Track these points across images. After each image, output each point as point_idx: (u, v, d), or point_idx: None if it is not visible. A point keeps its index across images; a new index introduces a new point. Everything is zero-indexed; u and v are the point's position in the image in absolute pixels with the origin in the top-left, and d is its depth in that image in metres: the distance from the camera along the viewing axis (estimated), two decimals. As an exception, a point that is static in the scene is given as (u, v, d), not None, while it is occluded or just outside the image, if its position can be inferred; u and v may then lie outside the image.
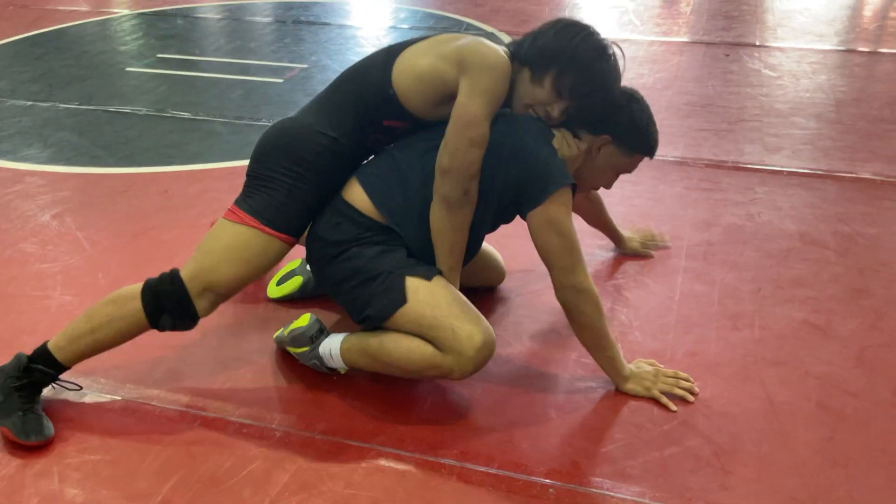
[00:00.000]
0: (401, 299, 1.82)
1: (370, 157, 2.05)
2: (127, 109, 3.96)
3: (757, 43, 4.92)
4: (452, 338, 1.78)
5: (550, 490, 1.70)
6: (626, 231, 2.62)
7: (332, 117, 1.96)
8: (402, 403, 1.94)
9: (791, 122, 3.67)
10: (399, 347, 1.84)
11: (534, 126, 1.92)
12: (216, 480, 1.73)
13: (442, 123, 1.87)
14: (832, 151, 3.35)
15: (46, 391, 1.95)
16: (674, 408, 1.92)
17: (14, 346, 2.18)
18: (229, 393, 2.00)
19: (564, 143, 1.98)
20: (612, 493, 1.69)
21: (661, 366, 2.03)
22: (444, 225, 1.89)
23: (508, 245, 2.49)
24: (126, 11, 5.91)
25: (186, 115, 3.88)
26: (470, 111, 1.82)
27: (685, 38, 5.04)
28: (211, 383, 2.04)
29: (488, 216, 1.96)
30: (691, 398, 1.94)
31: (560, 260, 1.89)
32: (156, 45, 5.12)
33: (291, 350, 2.07)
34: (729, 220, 2.79)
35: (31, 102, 4.07)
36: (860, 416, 1.90)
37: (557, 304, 2.32)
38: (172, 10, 5.92)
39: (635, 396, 1.96)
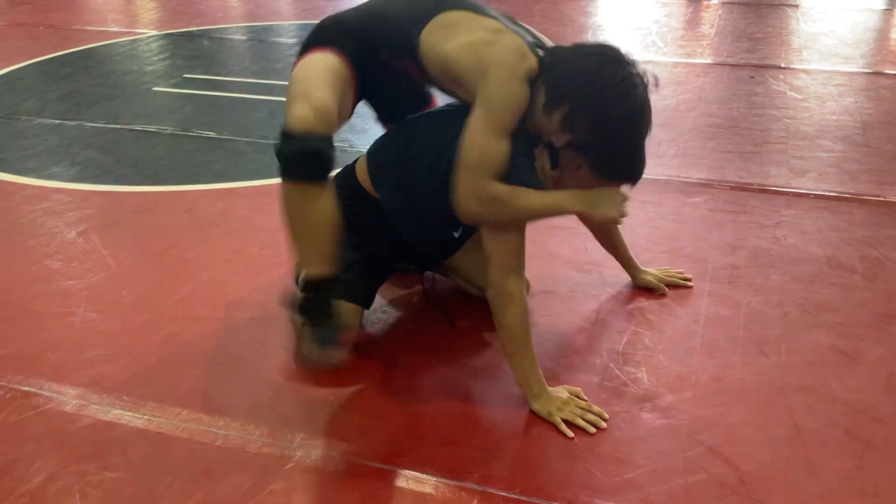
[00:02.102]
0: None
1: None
2: (153, 128, 4.00)
3: (782, 65, 4.89)
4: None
5: (573, 516, 1.68)
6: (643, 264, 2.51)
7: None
8: (422, 424, 1.93)
9: (817, 144, 3.63)
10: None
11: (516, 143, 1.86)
12: (236, 501, 1.73)
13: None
14: (859, 174, 3.31)
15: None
16: (570, 434, 1.88)
17: (38, 362, 2.20)
18: (250, 412, 2.00)
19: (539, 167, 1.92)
20: (635, 520, 1.67)
21: (584, 398, 1.98)
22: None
23: (531, 266, 2.47)
24: (153, 32, 6.00)
25: (212, 134, 3.91)
26: (470, 155, 1.80)
27: (709, 60, 5.03)
28: (232, 402, 2.04)
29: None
30: (592, 430, 1.89)
31: (500, 259, 1.90)
32: (182, 66, 5.18)
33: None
34: (754, 244, 2.76)
35: (58, 121, 4.13)
36: (890, 444, 1.86)
37: (581, 327, 2.31)
38: (199, 31, 6.00)
39: (662, 423, 1.94)
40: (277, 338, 2.30)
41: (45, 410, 2.02)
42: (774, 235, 2.82)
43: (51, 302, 2.49)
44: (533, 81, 1.82)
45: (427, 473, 1.79)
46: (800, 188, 3.19)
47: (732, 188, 3.20)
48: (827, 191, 3.16)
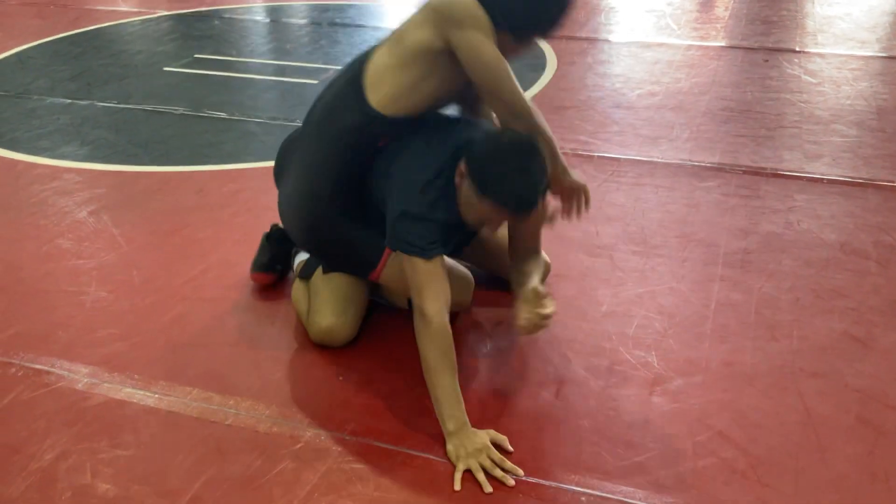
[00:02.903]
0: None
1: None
2: (163, 109, 4.00)
3: (797, 49, 4.84)
4: (312, 311, 2.15)
5: (582, 499, 1.68)
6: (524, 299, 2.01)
7: (329, 171, 2.02)
8: (432, 406, 1.92)
9: (831, 129, 3.60)
10: (297, 292, 2.26)
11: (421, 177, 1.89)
12: (246, 479, 1.74)
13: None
14: (873, 160, 3.28)
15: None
16: (457, 486, 1.71)
17: (49, 340, 2.21)
18: (260, 392, 2.01)
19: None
20: (644, 504, 1.67)
21: (508, 448, 1.80)
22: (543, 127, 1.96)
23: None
24: (164, 12, 5.98)
25: (222, 115, 3.91)
26: (485, 58, 1.82)
27: (723, 43, 4.98)
28: (243, 382, 2.05)
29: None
30: (489, 489, 1.69)
31: (419, 283, 1.86)
32: (193, 46, 5.16)
33: None
34: (767, 228, 2.75)
35: (69, 100, 4.13)
36: (902, 431, 1.86)
37: (591, 311, 2.30)
38: (210, 11, 5.97)
39: (671, 407, 1.93)
40: (287, 319, 2.31)
41: (57, 388, 2.03)
42: (787, 220, 2.80)
43: (62, 281, 2.50)
44: None
45: (436, 455, 1.80)
46: (813, 173, 3.16)
47: (745, 172, 3.18)
48: (841, 176, 3.14)
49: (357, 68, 1.95)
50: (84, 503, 1.68)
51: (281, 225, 2.32)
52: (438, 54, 1.86)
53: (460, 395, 1.82)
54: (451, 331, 1.84)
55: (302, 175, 2.07)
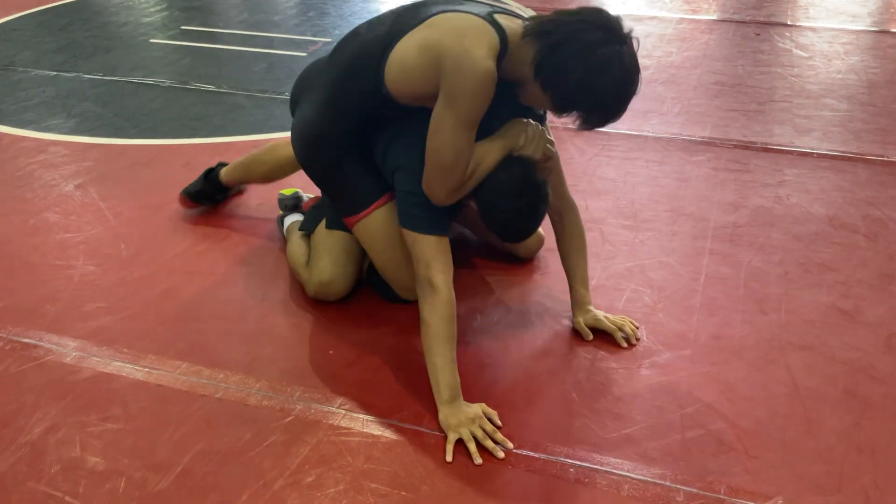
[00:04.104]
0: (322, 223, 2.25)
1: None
2: (150, 81, 3.95)
3: (788, 22, 4.82)
4: (313, 264, 2.21)
5: (570, 470, 1.69)
6: (591, 307, 2.13)
7: (342, 117, 2.02)
8: (423, 379, 1.92)
9: (822, 103, 3.60)
10: (294, 246, 2.32)
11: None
12: (236, 452, 1.74)
13: None
14: (864, 134, 3.28)
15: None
16: (449, 457, 1.71)
17: (37, 314, 2.19)
18: (250, 366, 2.00)
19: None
20: (632, 475, 1.68)
21: (497, 423, 1.80)
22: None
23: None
24: (150, -17, 5.90)
25: (210, 87, 3.87)
26: (444, 155, 1.80)
27: (715, 17, 4.96)
28: (232, 356, 2.04)
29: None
30: (479, 460, 1.70)
31: (424, 255, 1.90)
32: (180, 17, 5.10)
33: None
34: (757, 202, 2.75)
35: (55, 73, 4.08)
36: (888, 403, 1.87)
37: (580, 284, 2.30)
38: (197, -19, 5.89)
39: (660, 380, 1.94)
40: (277, 292, 2.30)
41: (45, 362, 2.02)
42: (777, 195, 2.80)
43: (49, 254, 2.48)
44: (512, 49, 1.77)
45: (426, 427, 1.80)
46: (803, 147, 3.16)
47: (736, 147, 3.18)
48: (831, 150, 3.14)
49: (392, 38, 1.87)
50: (73, 476, 1.68)
51: (227, 164, 2.68)
52: None
53: (456, 365, 1.83)
54: (455, 304, 1.86)
55: (315, 110, 2.06)
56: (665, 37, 4.53)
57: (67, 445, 1.76)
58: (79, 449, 1.75)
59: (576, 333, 2.10)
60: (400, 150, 1.99)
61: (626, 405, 1.87)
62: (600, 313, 2.11)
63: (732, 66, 4.08)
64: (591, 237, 2.53)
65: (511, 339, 2.11)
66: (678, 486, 1.65)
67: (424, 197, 1.90)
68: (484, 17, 1.78)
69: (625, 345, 2.06)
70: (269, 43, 4.58)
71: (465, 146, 1.81)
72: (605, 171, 2.97)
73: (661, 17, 4.94)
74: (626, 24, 1.75)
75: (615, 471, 1.69)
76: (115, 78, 4.00)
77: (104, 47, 4.49)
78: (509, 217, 1.90)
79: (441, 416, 1.79)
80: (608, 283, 2.31)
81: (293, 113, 2.22)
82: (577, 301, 2.13)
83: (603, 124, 1.85)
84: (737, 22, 4.84)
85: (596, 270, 2.37)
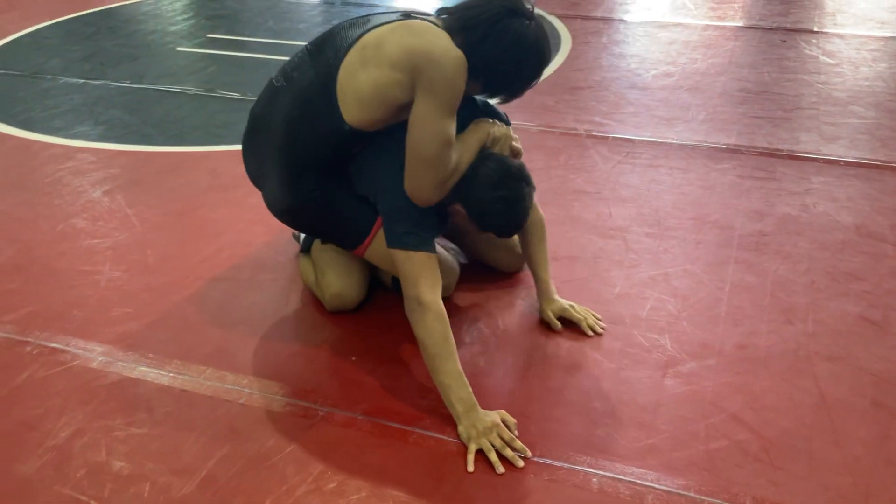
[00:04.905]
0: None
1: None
2: (177, 89, 4.00)
3: (815, 29, 4.78)
4: (319, 280, 2.22)
5: (593, 480, 1.68)
6: (556, 297, 2.17)
7: (309, 174, 2.02)
8: (445, 387, 1.93)
9: (849, 110, 3.56)
10: (302, 265, 2.32)
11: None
12: (260, 458, 1.75)
13: None
14: (891, 142, 3.24)
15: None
16: (470, 468, 1.70)
17: (64, 319, 2.22)
18: (273, 371, 2.01)
19: None
20: (656, 486, 1.67)
21: (513, 431, 1.78)
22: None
23: (554, 231, 2.46)
24: (177, -9, 5.97)
25: (235, 95, 3.90)
26: (430, 146, 1.81)
27: (740, 23, 4.93)
28: (256, 361, 2.05)
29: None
30: (501, 469, 1.69)
31: (411, 272, 1.88)
32: (206, 26, 5.15)
33: None
34: (783, 211, 2.72)
35: (83, 80, 4.13)
36: (917, 415, 1.85)
37: (603, 293, 2.29)
38: (223, -10, 5.95)
39: (684, 389, 1.93)
40: (300, 298, 2.31)
41: (72, 367, 2.04)
42: (803, 203, 2.77)
43: (76, 260, 2.51)
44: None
45: (448, 436, 1.80)
46: (830, 155, 3.13)
47: (761, 154, 3.15)
48: (858, 158, 3.10)
49: (329, 75, 1.89)
50: (99, 481, 1.70)
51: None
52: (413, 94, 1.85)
53: (464, 377, 1.82)
54: (447, 316, 1.85)
55: (281, 182, 2.06)
56: (690, 43, 4.51)
57: (93, 449, 1.78)
58: (104, 453, 1.77)
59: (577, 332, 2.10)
60: (376, 174, 2.00)
61: (649, 415, 1.86)
62: (566, 302, 2.15)
63: (758, 72, 4.05)
64: (614, 245, 2.53)
65: (533, 346, 2.10)
66: (703, 497, 1.64)
67: (409, 215, 1.90)
68: (405, 17, 1.90)
69: (591, 333, 2.11)
70: (293, 51, 4.60)
71: (449, 135, 1.83)
72: (629, 179, 2.96)
73: (686, 23, 4.92)
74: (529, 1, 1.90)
75: (639, 481, 1.68)
76: (142, 86, 4.05)
77: (131, 55, 4.54)
78: (498, 208, 1.90)
79: (459, 428, 1.78)
80: (632, 292, 2.30)
81: (256, 184, 2.23)
82: (543, 291, 2.18)
83: (521, 93, 1.97)
84: (763, 28, 4.81)
85: (619, 279, 2.36)
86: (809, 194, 2.83)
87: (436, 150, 1.82)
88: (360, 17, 2.01)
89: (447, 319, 1.84)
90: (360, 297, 2.21)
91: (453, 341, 1.83)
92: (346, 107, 1.88)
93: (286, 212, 2.14)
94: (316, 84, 1.91)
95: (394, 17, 1.93)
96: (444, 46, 1.79)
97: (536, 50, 1.88)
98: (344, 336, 2.15)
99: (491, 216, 1.92)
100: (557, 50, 4.41)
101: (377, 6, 5.48)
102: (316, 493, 1.66)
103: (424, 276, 1.86)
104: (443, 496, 1.65)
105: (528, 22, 1.86)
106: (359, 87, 1.86)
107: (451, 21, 1.87)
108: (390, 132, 1.93)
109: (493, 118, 2.03)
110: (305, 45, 2.04)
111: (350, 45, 1.89)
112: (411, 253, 1.88)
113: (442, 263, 2.22)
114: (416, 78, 1.79)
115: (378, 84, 1.84)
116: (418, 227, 1.91)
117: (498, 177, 1.90)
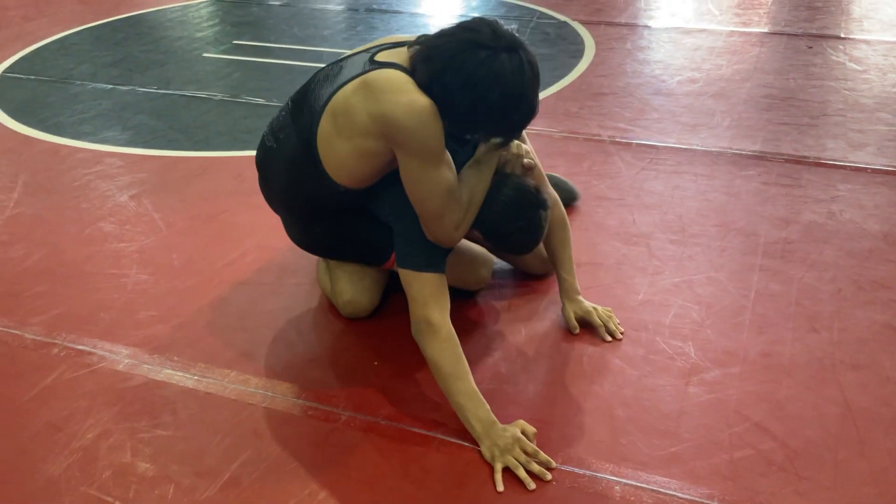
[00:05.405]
0: None
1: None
2: (203, 94, 4.04)
3: (842, 35, 4.74)
4: (333, 287, 2.22)
5: (616, 488, 1.68)
6: (580, 297, 2.17)
7: (320, 217, 2.06)
8: (467, 393, 1.93)
9: (876, 117, 3.52)
10: (320, 273, 2.32)
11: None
12: (282, 461, 1.76)
13: None
14: (920, 149, 3.20)
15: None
16: (500, 487, 1.68)
17: (91, 321, 2.25)
18: (296, 376, 2.03)
19: None
20: (679, 494, 1.66)
21: (531, 433, 1.76)
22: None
23: (579, 237, 2.46)
24: (204, -2, 6.03)
25: (260, 100, 3.93)
26: (433, 202, 1.80)
27: (765, 29, 4.89)
28: (280, 365, 2.07)
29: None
30: (532, 486, 1.68)
31: (420, 294, 1.87)
32: (232, 32, 5.20)
33: None
34: (809, 218, 2.70)
35: (111, 86, 4.19)
36: (945, 425, 1.82)
37: (626, 300, 2.29)
38: (248, -3, 6.01)
39: (708, 397, 1.91)
40: (324, 303, 2.32)
41: (98, 369, 2.07)
42: (830, 210, 2.75)
43: (103, 263, 2.55)
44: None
45: (470, 442, 1.80)
46: (857, 162, 3.10)
47: (787, 161, 3.12)
48: (886, 165, 3.07)
49: (309, 140, 1.88)
50: (124, 482, 1.72)
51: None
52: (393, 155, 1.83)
53: (480, 395, 1.80)
54: (457, 337, 1.85)
55: (293, 226, 2.14)
56: (715, 50, 4.48)
57: (119, 451, 1.80)
58: (129, 455, 1.79)
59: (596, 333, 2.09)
60: (385, 202, 2.00)
61: (673, 423, 1.85)
62: (589, 304, 2.15)
63: (784, 79, 4.02)
64: (637, 251, 2.52)
65: (555, 352, 2.10)
66: (726, 506, 1.63)
67: (419, 235, 1.89)
68: (369, 66, 1.80)
69: (608, 339, 2.11)
70: (318, 57, 4.64)
71: (446, 183, 1.79)
72: (653, 185, 2.95)
73: (710, 29, 4.89)
74: (505, 26, 1.74)
75: (662, 489, 1.67)
76: (169, 91, 4.10)
77: (159, 61, 4.59)
78: (516, 237, 1.94)
79: (482, 449, 1.76)
80: (655, 299, 2.29)
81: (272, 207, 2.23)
82: (566, 290, 2.17)
83: (514, 133, 1.84)
84: (788, 34, 4.77)
85: (642, 285, 2.35)
86: (836, 202, 2.81)
87: (439, 202, 1.80)
88: (335, 63, 1.95)
89: (457, 339, 1.83)
90: (374, 304, 2.21)
91: (465, 360, 1.82)
92: (333, 171, 1.88)
93: (310, 246, 2.20)
94: (299, 148, 1.91)
95: (359, 67, 1.84)
96: (405, 103, 1.71)
97: (501, 84, 1.69)
98: (366, 341, 2.16)
99: (508, 244, 1.99)
100: (579, 57, 4.41)
101: (401, 12, 5.51)
102: (337, 497, 1.66)
103: (434, 297, 1.86)
104: (464, 502, 1.65)
105: (497, 55, 1.69)
106: (339, 155, 1.85)
107: (417, 53, 1.77)
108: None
109: None
110: (288, 101, 2.02)
111: (322, 108, 1.85)
112: (420, 274, 1.88)
113: (477, 256, 2.25)
114: (390, 141, 1.77)
115: (357, 150, 1.82)
116: (428, 247, 1.91)
117: (515, 207, 1.91)
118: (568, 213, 2.25)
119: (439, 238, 1.87)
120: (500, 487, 1.68)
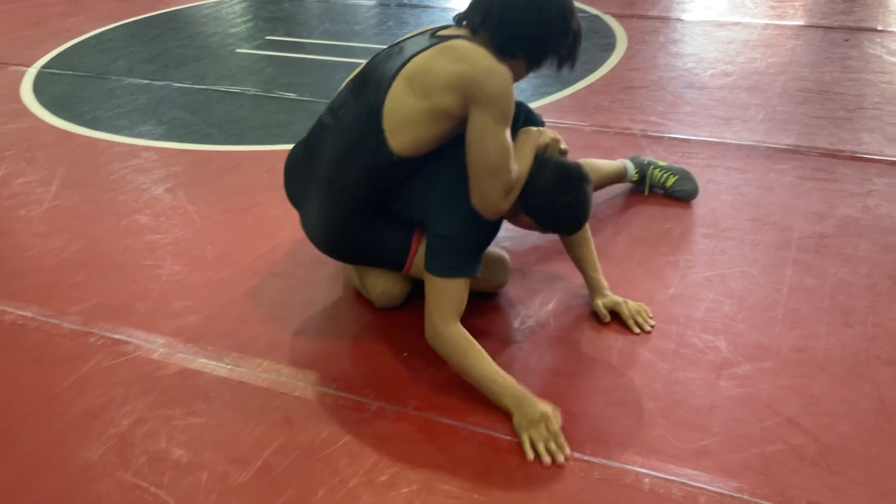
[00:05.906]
0: None
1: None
2: (237, 89, 4.08)
3: (879, 28, 4.66)
4: (363, 281, 2.25)
5: (645, 480, 1.67)
6: (608, 292, 2.20)
7: (353, 205, 2.04)
8: (497, 385, 1.93)
9: (915, 110, 3.46)
10: (347, 269, 2.34)
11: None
12: (313, 449, 1.78)
13: None
14: (960, 142, 3.15)
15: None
16: (530, 456, 1.74)
17: (127, 311, 2.29)
18: (327, 366, 2.05)
19: None
20: (709, 487, 1.65)
21: (558, 415, 1.81)
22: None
23: (604, 232, 2.45)
24: (237, -6, 6.08)
25: (292, 95, 3.97)
26: (493, 156, 1.85)
27: (801, 22, 4.83)
28: (311, 355, 2.09)
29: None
30: (547, 460, 1.72)
31: (442, 306, 1.93)
32: (264, 28, 5.25)
33: None
34: (844, 212, 2.66)
35: (146, 81, 4.25)
36: (983, 422, 1.79)
37: (657, 294, 2.28)
38: (281, -7, 6.05)
39: (739, 392, 1.90)
40: (353, 295, 2.34)
41: (134, 357, 2.10)
42: (865, 204, 2.71)
43: (139, 255, 2.59)
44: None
45: (498, 432, 1.81)
46: (894, 156, 3.05)
47: (822, 155, 3.08)
48: (924, 159, 3.02)
49: (374, 107, 1.91)
50: (159, 468, 1.75)
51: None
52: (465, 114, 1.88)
53: (504, 373, 1.85)
54: (463, 328, 1.91)
55: (324, 202, 2.08)
56: (749, 42, 4.43)
57: (153, 438, 1.83)
58: (164, 441, 1.82)
59: (623, 326, 2.08)
60: (423, 197, 2.01)
61: (703, 416, 1.84)
62: (619, 298, 2.17)
63: (819, 72, 3.96)
64: (669, 245, 2.51)
65: (586, 345, 2.09)
66: (757, 500, 1.62)
67: (446, 241, 1.94)
68: (435, 40, 1.93)
69: (637, 331, 2.12)
70: (349, 52, 4.67)
71: (508, 144, 1.87)
72: (685, 179, 2.92)
73: (745, 22, 4.84)
74: None
75: (691, 482, 1.66)
76: (203, 86, 4.15)
77: (193, 57, 4.65)
78: (566, 213, 1.96)
79: (514, 419, 1.81)
80: (686, 293, 2.28)
81: (295, 206, 2.26)
82: (594, 287, 2.21)
83: (572, 57, 1.98)
84: (825, 27, 4.70)
85: (674, 279, 2.34)
86: (871, 196, 2.77)
87: (499, 159, 1.85)
88: (393, 46, 2.05)
89: (464, 332, 1.91)
90: (406, 291, 2.24)
91: (478, 346, 1.89)
92: (394, 135, 1.90)
93: (326, 240, 2.16)
94: (362, 117, 1.95)
95: (425, 41, 1.94)
96: (486, 64, 1.82)
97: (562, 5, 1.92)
98: (396, 333, 2.17)
99: (559, 220, 1.98)
100: (611, 51, 4.38)
101: (432, 7, 5.51)
102: (368, 485, 1.68)
103: (448, 304, 1.93)
104: (492, 491, 1.66)
105: None
106: (409, 114, 1.88)
107: (471, 20, 1.93)
108: (433, 163, 1.99)
109: (535, 126, 2.05)
110: (348, 82, 2.09)
111: (392, 77, 1.90)
112: (440, 280, 1.93)
113: (494, 261, 2.24)
114: (470, 97, 1.83)
115: (431, 109, 1.87)
116: (459, 251, 1.94)
117: (561, 182, 1.94)
118: (597, 207, 2.24)
119: (489, 201, 1.89)
120: (529, 455, 1.74)
